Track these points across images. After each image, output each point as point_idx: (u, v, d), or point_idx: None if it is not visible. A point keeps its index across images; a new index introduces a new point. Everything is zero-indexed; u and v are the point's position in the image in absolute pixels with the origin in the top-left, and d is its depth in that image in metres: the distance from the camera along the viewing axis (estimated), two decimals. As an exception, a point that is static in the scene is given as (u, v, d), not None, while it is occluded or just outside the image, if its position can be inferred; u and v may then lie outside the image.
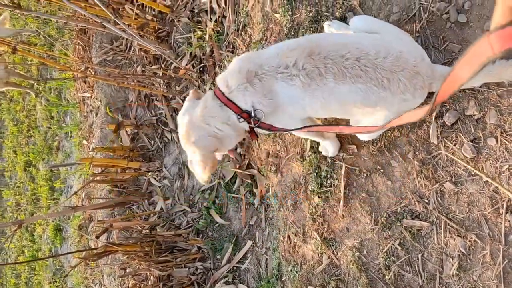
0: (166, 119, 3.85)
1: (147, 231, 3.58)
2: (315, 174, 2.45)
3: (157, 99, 3.95)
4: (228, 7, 3.23)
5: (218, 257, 3.16)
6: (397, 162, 2.11)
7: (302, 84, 1.69)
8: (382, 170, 2.17)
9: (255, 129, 1.90)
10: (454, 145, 1.91)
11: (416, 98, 1.71)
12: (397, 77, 1.63)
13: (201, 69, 3.58)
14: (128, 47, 4.23)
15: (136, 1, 3.82)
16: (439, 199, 1.97)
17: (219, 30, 3.30)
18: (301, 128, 1.84)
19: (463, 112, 1.88)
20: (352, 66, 1.63)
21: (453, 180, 1.92)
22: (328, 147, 2.33)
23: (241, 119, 1.81)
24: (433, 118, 1.95)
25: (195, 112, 1.91)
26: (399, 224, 2.10)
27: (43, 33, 4.96)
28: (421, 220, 2.03)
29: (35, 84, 5.43)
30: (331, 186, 2.38)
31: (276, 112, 1.82)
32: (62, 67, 3.65)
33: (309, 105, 1.77)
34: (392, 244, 2.12)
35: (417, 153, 2.03)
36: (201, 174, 1.95)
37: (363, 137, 2.11)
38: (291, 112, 1.83)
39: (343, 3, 2.32)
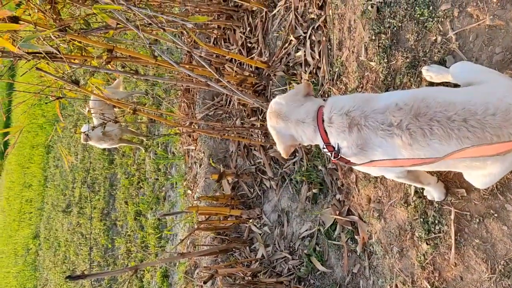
0: (265, 167, 4.00)
1: (250, 278, 3.66)
2: (421, 220, 2.39)
3: (256, 149, 4.14)
4: (322, 59, 3.37)
5: (322, 305, 3.13)
6: (513, 206, 1.99)
7: (403, 144, 1.73)
8: (496, 215, 2.06)
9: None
10: None
11: None
12: (507, 132, 1.58)
13: (297, 118, 3.71)
14: (228, 102, 4.53)
15: (235, 60, 4.14)
16: None
17: (314, 81, 3.44)
18: (370, 162, 1.86)
19: None
20: (459, 128, 1.61)
21: None
22: (433, 192, 2.28)
23: (325, 149, 1.97)
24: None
25: (294, 112, 2.08)
26: (521, 273, 1.95)
27: (152, 94, 5.50)
28: (546, 268, 1.87)
29: (145, 140, 5.97)
30: (440, 232, 2.30)
31: (362, 160, 1.89)
32: (170, 123, 4.01)
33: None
34: (514, 295, 1.97)
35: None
36: (282, 155, 2.21)
37: (482, 185, 1.95)
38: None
39: (441, 46, 2.33)
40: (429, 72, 2.25)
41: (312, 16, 3.53)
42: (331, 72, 3.22)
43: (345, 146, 1.89)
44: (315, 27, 3.49)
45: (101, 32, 3.44)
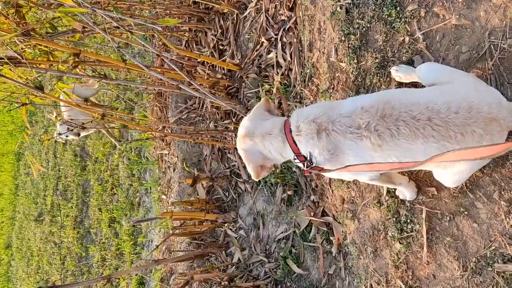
0: (239, 170, 3.97)
1: (226, 282, 3.62)
2: (394, 219, 2.40)
3: (230, 152, 4.11)
4: (294, 60, 3.36)
5: (299, 308, 3.12)
6: (482, 203, 2.02)
7: (372, 145, 1.75)
8: (466, 213, 2.08)
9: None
10: (544, 182, 1.81)
11: (494, 141, 1.69)
12: (471, 129, 1.63)
13: (270, 120, 3.70)
14: (201, 105, 4.48)
15: (207, 63, 4.10)
16: (534, 241, 1.85)
17: (286, 83, 3.43)
18: (345, 167, 1.85)
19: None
20: (424, 127, 1.65)
21: (547, 219, 1.81)
22: (405, 192, 2.30)
23: (297, 160, 1.93)
24: (517, 155, 1.87)
25: (259, 127, 2.04)
26: (490, 269, 1.98)
27: (123, 98, 5.40)
28: (515, 264, 1.90)
29: (118, 145, 5.86)
30: (412, 231, 2.31)
31: (335, 165, 1.89)
32: (142, 128, 3.94)
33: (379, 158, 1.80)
34: (485, 291, 1.99)
35: (502, 192, 1.94)
36: (253, 177, 2.11)
37: (451, 183, 1.98)
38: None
39: (409, 47, 2.34)
40: (398, 73, 2.27)
41: (283, 17, 3.52)
42: (302, 74, 3.21)
43: (317, 153, 1.87)
44: (286, 29, 3.49)
45: (68, 36, 3.35)
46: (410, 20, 2.34)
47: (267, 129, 2.01)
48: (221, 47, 4.32)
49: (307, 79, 3.15)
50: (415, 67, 2.21)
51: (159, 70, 3.67)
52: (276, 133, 1.98)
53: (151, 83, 4.19)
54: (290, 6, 3.44)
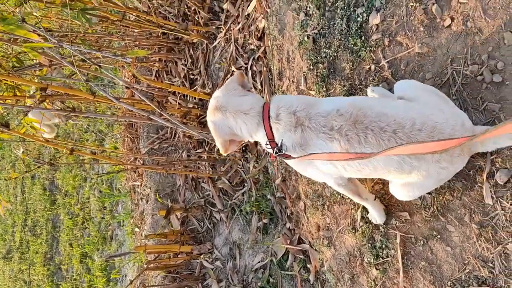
0: (214, 199, 3.93)
1: (204, 316, 3.53)
2: (369, 245, 2.40)
3: (204, 181, 4.06)
4: (265, 89, 3.39)
5: None
6: (454, 227, 2.04)
7: (340, 149, 1.80)
8: (439, 236, 2.10)
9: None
10: (511, 204, 1.85)
11: (454, 164, 1.77)
12: None
13: (243, 148, 3.70)
14: (173, 135, 4.45)
15: (179, 92, 4.09)
16: (504, 262, 1.87)
17: (257, 111, 3.44)
18: (308, 155, 1.88)
19: (515, 170, 1.84)
20: (389, 139, 1.71)
21: (517, 240, 1.84)
22: (373, 213, 2.32)
23: (268, 146, 1.93)
24: (485, 178, 1.91)
25: (233, 103, 1.99)
26: (466, 292, 1.99)
27: (93, 130, 5.32)
28: (488, 286, 1.92)
29: (88, 178, 5.72)
30: (388, 257, 2.31)
31: (303, 160, 1.94)
32: (113, 161, 3.86)
33: (343, 167, 1.87)
34: (462, 314, 2.00)
35: (473, 215, 1.97)
36: (221, 151, 2.07)
37: (402, 197, 2.03)
38: (318, 166, 1.97)
39: (375, 74, 2.40)
40: (373, 93, 2.31)
41: (252, 47, 3.57)
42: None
43: (289, 144, 1.89)
44: (256, 58, 3.53)
45: (35, 69, 3.29)
46: (375, 49, 2.40)
47: (243, 108, 1.97)
48: (192, 77, 4.32)
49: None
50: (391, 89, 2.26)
51: (129, 101, 3.63)
52: (253, 114, 1.95)
53: (122, 114, 4.14)
54: (259, 35, 3.49)
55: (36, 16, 3.14)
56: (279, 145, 1.90)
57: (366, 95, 2.36)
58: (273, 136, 1.93)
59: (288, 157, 1.93)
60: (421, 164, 1.74)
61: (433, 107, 1.81)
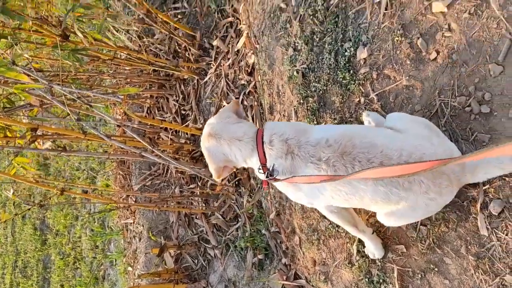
0: (208, 235, 3.87)
1: None
2: (366, 279, 2.36)
3: (197, 217, 4.02)
4: (256, 123, 3.40)
5: None
6: (451, 259, 2.02)
7: (328, 167, 1.82)
8: (436, 269, 2.07)
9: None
10: (506, 234, 1.83)
11: (443, 195, 1.76)
12: (419, 179, 1.70)
13: (236, 183, 3.68)
14: (165, 171, 4.42)
15: (170, 128, 4.09)
16: (505, 294, 1.84)
17: (249, 145, 3.44)
18: (291, 178, 1.90)
19: (507, 200, 1.83)
20: None
21: (515, 271, 1.82)
22: (371, 247, 2.29)
23: (261, 170, 1.95)
24: (479, 209, 1.90)
25: (227, 130, 2.02)
26: (467, 326, 1.95)
27: (85, 168, 5.28)
28: (490, 319, 1.88)
29: (79, 216, 5.65)
30: (386, 291, 2.27)
31: (292, 185, 1.99)
32: (105, 200, 3.82)
33: (330, 195, 1.89)
34: None
35: (469, 247, 1.95)
36: (214, 176, 2.10)
37: (389, 224, 2.02)
38: (306, 191, 1.98)
39: (365, 107, 2.42)
40: (368, 117, 2.32)
41: (243, 82, 3.60)
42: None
43: (280, 170, 1.91)
44: (246, 93, 3.56)
45: (25, 109, 3.29)
46: (363, 82, 2.43)
47: (237, 135, 2.00)
48: (183, 112, 4.34)
49: (270, 141, 3.18)
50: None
51: (121, 139, 3.62)
52: (246, 140, 1.98)
53: (113, 152, 4.12)
54: (249, 71, 3.54)
55: (27, 57, 3.17)
56: (270, 169, 1.93)
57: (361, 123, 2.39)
58: (266, 160, 1.96)
59: (276, 179, 1.95)
60: (408, 194, 1.74)
61: (422, 138, 1.83)
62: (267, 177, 1.93)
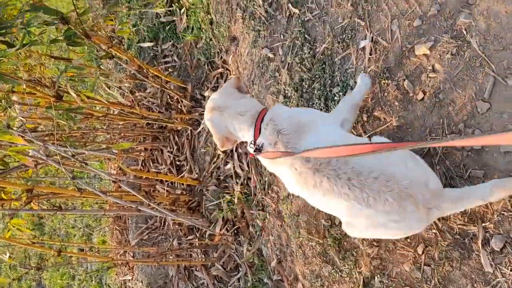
0: (208, 288, 3.79)
1: None
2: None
3: (197, 269, 3.94)
4: (251, 170, 3.42)
5: None
6: (458, 298, 1.99)
7: (300, 176, 1.88)
8: (445, 310, 2.03)
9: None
10: (511, 270, 1.82)
11: (407, 220, 1.75)
12: (384, 197, 1.71)
13: (235, 231, 3.64)
14: (162, 223, 4.37)
15: (166, 180, 4.08)
16: (517, 332, 1.80)
17: (246, 192, 3.45)
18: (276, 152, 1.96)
19: (508, 235, 1.83)
20: (342, 185, 1.77)
21: (524, 308, 1.79)
22: None
23: (252, 145, 2.05)
24: (480, 245, 1.89)
25: (231, 105, 2.14)
26: None
27: (81, 225, 5.21)
28: None
29: (77, 276, 5.51)
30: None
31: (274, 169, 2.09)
32: (102, 258, 3.75)
33: (301, 192, 1.96)
34: None
35: (475, 285, 1.93)
36: (218, 146, 2.25)
37: (348, 231, 2.02)
38: (284, 180, 2.04)
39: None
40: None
41: (236, 130, 3.63)
42: (261, 182, 3.25)
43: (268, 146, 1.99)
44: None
45: (20, 170, 3.29)
46: (354, 124, 2.47)
47: (240, 110, 2.11)
48: (178, 163, 4.35)
49: (266, 186, 3.18)
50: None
51: (116, 194, 3.61)
52: (248, 116, 2.09)
53: (109, 207, 4.09)
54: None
55: (21, 119, 3.20)
56: (259, 145, 2.02)
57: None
58: (258, 137, 2.05)
59: (258, 152, 2.02)
60: (370, 212, 1.75)
61: (396, 160, 1.83)
62: (254, 151, 2.03)
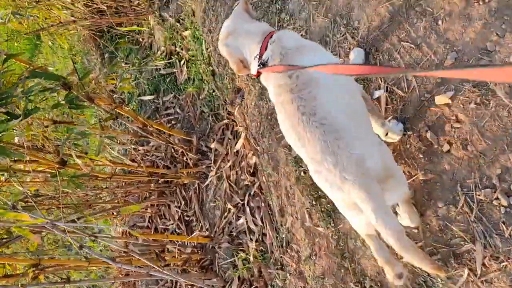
0: None
1: None
2: None
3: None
4: (266, 225, 3.27)
5: None
6: None
7: (279, 88, 1.89)
8: None
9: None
10: None
11: (322, 173, 1.76)
12: (315, 143, 1.72)
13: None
14: (174, 284, 4.18)
15: (176, 240, 3.93)
16: None
17: (262, 249, 3.29)
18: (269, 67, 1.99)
19: None
20: (298, 114, 1.78)
21: None
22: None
23: (257, 58, 2.08)
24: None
25: (242, 26, 2.21)
26: None
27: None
28: None
29: None
30: None
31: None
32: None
33: (275, 104, 1.96)
34: None
35: None
36: (235, 70, 2.24)
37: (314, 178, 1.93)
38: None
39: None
40: None
41: (246, 182, 3.52)
42: (278, 239, 3.10)
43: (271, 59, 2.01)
44: (251, 194, 3.46)
45: (24, 239, 3.15)
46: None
47: (251, 30, 2.17)
48: (186, 218, 4.20)
49: (284, 244, 3.03)
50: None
51: (125, 259, 3.44)
52: (257, 35, 2.13)
53: (118, 272, 3.91)
54: (251, 171, 3.47)
55: (26, 192, 3.08)
56: (264, 60, 2.03)
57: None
58: (263, 51, 2.06)
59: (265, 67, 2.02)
60: (302, 151, 1.79)
61: (364, 136, 1.78)
62: (259, 65, 2.05)
